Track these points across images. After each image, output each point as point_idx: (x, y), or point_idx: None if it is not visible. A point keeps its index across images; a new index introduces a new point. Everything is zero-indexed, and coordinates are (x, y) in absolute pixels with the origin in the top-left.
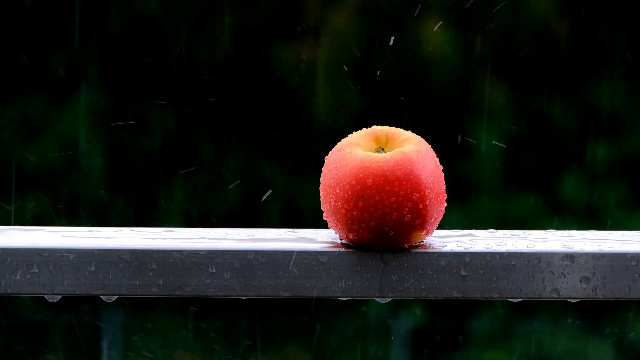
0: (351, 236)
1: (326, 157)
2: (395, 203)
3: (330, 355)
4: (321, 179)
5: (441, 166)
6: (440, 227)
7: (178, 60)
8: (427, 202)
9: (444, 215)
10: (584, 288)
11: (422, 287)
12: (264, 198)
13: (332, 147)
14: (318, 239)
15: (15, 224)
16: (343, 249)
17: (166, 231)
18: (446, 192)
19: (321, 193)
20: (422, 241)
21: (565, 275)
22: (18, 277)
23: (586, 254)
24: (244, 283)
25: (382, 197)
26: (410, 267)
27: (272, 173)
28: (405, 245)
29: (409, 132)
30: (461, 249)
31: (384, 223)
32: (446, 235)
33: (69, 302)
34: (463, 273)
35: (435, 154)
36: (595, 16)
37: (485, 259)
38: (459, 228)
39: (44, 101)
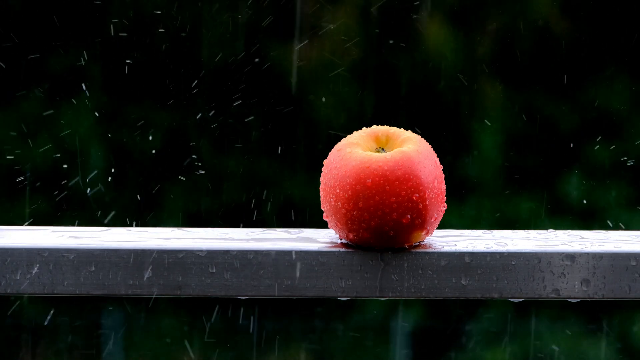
0: (351, 236)
1: (326, 157)
2: (395, 203)
3: (330, 356)
4: (321, 179)
5: (441, 166)
6: (440, 227)
7: (179, 61)
8: (427, 202)
9: (444, 215)
10: (584, 288)
11: (422, 287)
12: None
13: (332, 147)
14: (318, 239)
15: (15, 224)
16: (343, 249)
17: (166, 231)
18: (446, 192)
19: (321, 193)
20: (422, 241)
21: (565, 275)
22: (18, 277)
23: (586, 254)
24: (244, 283)
25: (382, 197)
26: (410, 267)
27: (272, 173)
28: (405, 245)
29: (409, 132)
30: (461, 249)
31: (384, 223)
32: (446, 235)
33: (69, 302)
34: (463, 273)
35: (435, 154)
36: (596, 16)
37: (485, 259)
38: (459, 228)
39: (45, 101)
